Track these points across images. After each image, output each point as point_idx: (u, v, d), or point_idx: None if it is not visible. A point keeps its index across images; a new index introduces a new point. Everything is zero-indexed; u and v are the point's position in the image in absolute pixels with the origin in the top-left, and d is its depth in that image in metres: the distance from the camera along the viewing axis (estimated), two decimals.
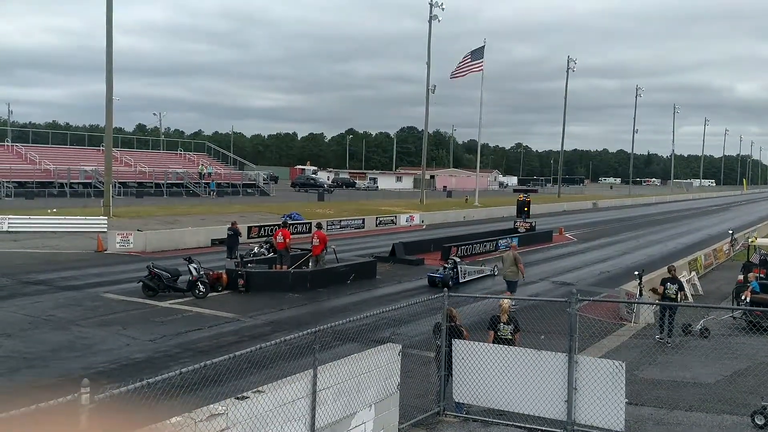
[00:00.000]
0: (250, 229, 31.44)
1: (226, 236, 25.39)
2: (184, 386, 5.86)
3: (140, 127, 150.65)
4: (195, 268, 17.93)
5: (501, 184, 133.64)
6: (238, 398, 6.02)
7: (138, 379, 5.52)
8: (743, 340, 14.51)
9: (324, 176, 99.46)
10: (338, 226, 37.16)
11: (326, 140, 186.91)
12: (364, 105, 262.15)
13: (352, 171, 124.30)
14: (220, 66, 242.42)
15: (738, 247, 30.72)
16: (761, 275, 17.87)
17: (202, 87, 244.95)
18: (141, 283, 17.88)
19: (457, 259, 22.76)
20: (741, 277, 18.52)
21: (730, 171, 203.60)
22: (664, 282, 15.50)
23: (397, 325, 13.05)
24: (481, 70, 58.35)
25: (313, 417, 6.73)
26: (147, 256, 24.81)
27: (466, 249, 28.52)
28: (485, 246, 30.17)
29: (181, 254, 22.25)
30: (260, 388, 6.31)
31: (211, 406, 5.76)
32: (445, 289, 10.39)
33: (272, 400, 6.22)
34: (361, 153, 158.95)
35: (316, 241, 20.93)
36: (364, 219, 40.26)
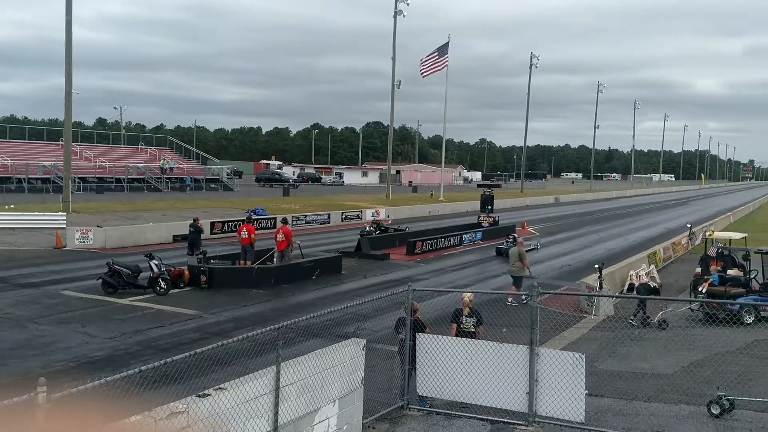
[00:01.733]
0: (213, 224, 31.08)
1: (188, 233, 25.04)
2: (144, 384, 5.78)
3: (100, 122, 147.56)
4: (156, 265, 17.66)
5: (466, 179, 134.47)
6: (199, 396, 5.96)
7: (96, 378, 5.43)
8: (700, 332, 14.90)
9: (289, 171, 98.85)
10: (304, 222, 36.98)
11: (291, 135, 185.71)
12: (329, 99, 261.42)
13: (318, 166, 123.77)
14: (182, 59, 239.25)
15: (697, 241, 31.47)
16: (719, 268, 18.33)
17: (164, 80, 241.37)
18: (101, 280, 17.55)
19: (516, 235, 27.67)
20: (699, 269, 18.99)
21: (689, 166, 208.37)
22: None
23: (361, 320, 13.06)
24: (446, 66, 58.63)
25: (276, 413, 6.70)
26: (107, 252, 24.36)
27: (431, 244, 28.65)
28: (450, 240, 30.36)
29: (142, 250, 21.91)
30: (222, 386, 6.25)
31: (172, 404, 5.70)
32: (409, 283, 10.43)
33: (234, 397, 6.17)
34: (327, 148, 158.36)
35: (280, 237, 20.79)
36: (329, 214, 40.15)
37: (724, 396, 9.36)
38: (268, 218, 34.46)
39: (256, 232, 22.71)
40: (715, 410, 9.27)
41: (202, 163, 75.21)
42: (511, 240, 26.99)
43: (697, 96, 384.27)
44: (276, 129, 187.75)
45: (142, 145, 73.21)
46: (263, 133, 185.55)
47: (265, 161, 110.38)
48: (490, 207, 38.65)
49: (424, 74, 57.81)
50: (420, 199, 60.87)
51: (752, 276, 17.75)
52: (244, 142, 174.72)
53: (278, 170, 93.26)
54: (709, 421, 9.19)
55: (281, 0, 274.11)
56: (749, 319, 15.32)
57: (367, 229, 30.52)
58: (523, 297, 19.61)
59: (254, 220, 26.58)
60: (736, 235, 21.97)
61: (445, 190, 67.37)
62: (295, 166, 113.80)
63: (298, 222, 36.22)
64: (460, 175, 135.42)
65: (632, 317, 15.61)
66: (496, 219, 37.82)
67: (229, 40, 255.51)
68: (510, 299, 16.69)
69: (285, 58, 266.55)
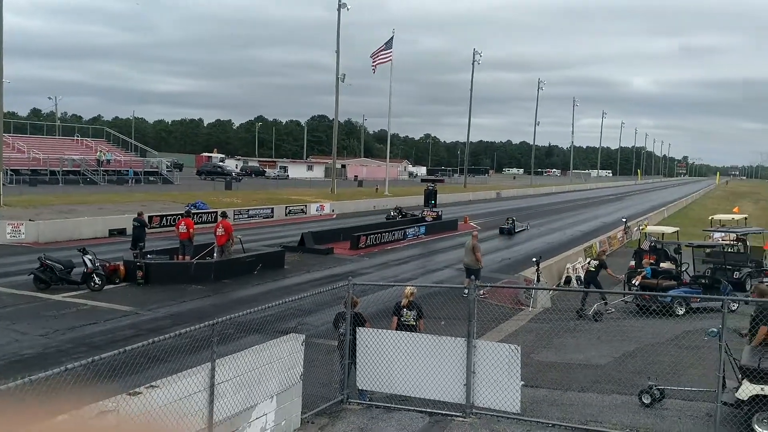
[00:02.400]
0: (151, 218, 30.26)
1: (132, 227, 24.31)
2: (74, 383, 5.59)
3: (35, 112, 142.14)
4: (90, 260, 17.12)
5: (411, 174, 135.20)
6: (130, 394, 5.80)
7: (21, 376, 5.22)
8: (633, 323, 15.39)
9: (232, 164, 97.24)
10: (246, 216, 36.48)
11: (234, 127, 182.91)
12: (274, 92, 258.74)
13: (262, 159, 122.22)
14: (121, 49, 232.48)
15: (633, 235, 32.49)
16: (652, 261, 18.97)
17: (101, 70, 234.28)
18: (32, 276, 16.91)
19: (514, 218, 36.16)
20: (633, 263, 19.59)
21: (626, 162, 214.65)
22: (589, 261, 17.58)
23: (303, 315, 12.98)
24: (391, 60, 58.77)
25: (210, 411, 6.59)
26: (40, 247, 23.45)
27: (376, 238, 28.71)
28: (394, 235, 30.49)
29: (76, 245, 21.19)
30: (154, 383, 6.11)
31: (101, 402, 5.53)
32: (350, 277, 10.42)
33: (167, 395, 6.03)
34: (271, 141, 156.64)
35: (220, 231, 20.45)
36: (273, 208, 39.71)
37: (655, 386, 9.68)
38: (208, 212, 33.80)
39: (196, 226, 22.29)
40: (646, 399, 9.58)
41: (141, 155, 73.20)
42: (510, 222, 34.57)
43: (634, 94, 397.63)
44: (218, 121, 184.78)
45: (78, 136, 70.71)
46: (205, 125, 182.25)
47: (206, 154, 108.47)
48: (433, 202, 38.98)
49: (374, 68, 57.91)
50: (365, 194, 60.88)
51: (683, 269, 18.44)
52: (185, 134, 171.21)
53: (220, 163, 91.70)
54: (640, 410, 9.49)
55: None
56: (680, 311, 15.88)
57: (391, 213, 36.58)
58: (482, 292, 19.73)
59: (193, 214, 26.06)
60: (669, 229, 22.76)
61: (391, 185, 67.58)
62: (238, 159, 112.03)
63: (241, 216, 35.71)
64: (405, 169, 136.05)
65: (582, 307, 15.94)
66: (440, 214, 38.17)
67: (171, 30, 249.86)
68: (482, 292, 16.92)
69: (228, 50, 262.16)
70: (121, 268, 18.28)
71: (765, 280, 19.18)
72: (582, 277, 20.79)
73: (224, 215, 23.14)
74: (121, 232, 27.54)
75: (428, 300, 13.68)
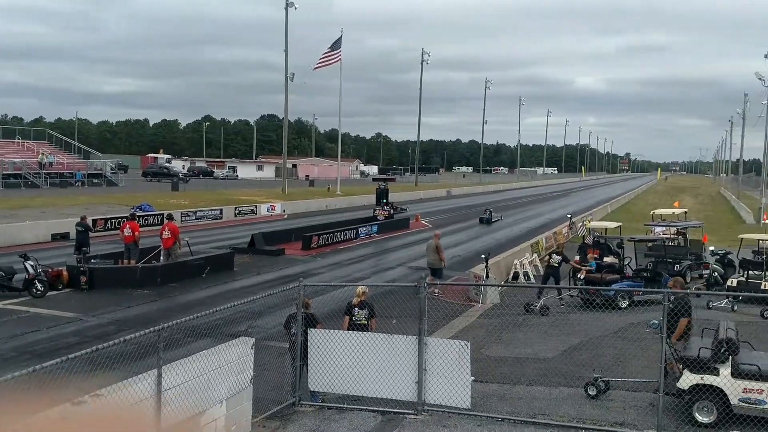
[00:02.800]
0: (95, 222, 29.49)
1: (75, 232, 23.59)
2: (14, 393, 5.42)
3: None
4: (32, 266, 16.58)
5: (362, 173, 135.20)
6: (73, 404, 5.65)
7: None
8: (578, 317, 15.76)
9: (179, 165, 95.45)
10: (194, 217, 35.88)
11: (181, 127, 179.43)
12: (222, 91, 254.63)
13: (210, 159, 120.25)
14: (63, 49, 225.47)
15: (578, 230, 33.24)
16: (596, 256, 19.47)
17: (43, 71, 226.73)
18: None
19: (492, 210, 40.67)
20: (578, 257, 20.06)
21: (571, 159, 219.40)
22: (550, 253, 18.11)
23: (253, 317, 12.85)
24: (340, 60, 58.65)
25: (158, 418, 6.48)
26: None
27: (327, 238, 28.62)
28: (346, 234, 30.46)
29: (17, 251, 20.49)
30: (99, 392, 5.97)
31: (43, 413, 5.37)
32: (300, 278, 10.38)
33: (112, 403, 5.90)
34: (220, 141, 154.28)
35: (167, 234, 20.07)
36: (221, 209, 39.17)
37: (600, 378, 9.94)
38: (154, 214, 33.13)
39: (141, 229, 21.84)
40: (592, 391, 9.83)
41: (84, 157, 71.17)
42: (488, 213, 38.53)
43: (578, 93, 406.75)
44: (164, 121, 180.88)
45: (18, 138, 68.18)
46: (150, 125, 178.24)
47: (152, 155, 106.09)
48: (385, 200, 39.12)
49: (316, 67, 57.65)
50: (317, 193, 60.62)
51: (626, 263, 18.98)
52: (130, 135, 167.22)
53: (167, 164, 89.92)
54: (587, 402, 9.74)
55: None
56: (624, 304, 16.34)
57: (385, 208, 39.05)
58: (437, 290, 18.93)
59: (139, 216, 25.52)
60: (612, 225, 23.38)
61: (342, 184, 67.46)
62: (185, 160, 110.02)
63: (188, 218, 35.11)
64: (357, 168, 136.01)
65: (538, 301, 16.24)
66: (391, 213, 38.33)
67: (115, 30, 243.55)
68: (437, 290, 17.06)
69: (174, 49, 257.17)
70: (65, 273, 17.77)
71: (704, 272, 19.97)
72: (529, 272, 21.23)
73: (170, 217, 22.71)
74: (65, 236, 26.74)
75: (381, 299, 13.71)
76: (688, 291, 17.61)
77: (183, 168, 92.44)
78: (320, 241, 27.78)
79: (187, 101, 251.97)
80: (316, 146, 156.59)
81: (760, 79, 46.26)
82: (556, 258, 17.59)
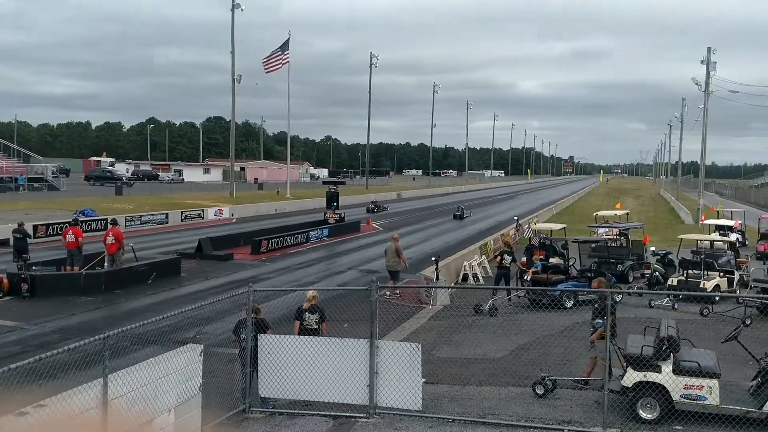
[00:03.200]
0: (36, 228, 28.57)
1: (12, 239, 22.75)
2: None
3: None
4: None
5: (312, 176, 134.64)
6: (16, 414, 5.48)
7: None
8: (526, 317, 16.05)
9: (123, 168, 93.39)
10: (138, 222, 35.10)
11: (125, 130, 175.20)
12: (167, 93, 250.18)
13: (155, 163, 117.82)
14: (1, 49, 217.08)
15: (524, 232, 33.83)
16: (542, 257, 19.86)
17: None
18: None
19: (463, 207, 45.86)
20: (524, 258, 20.43)
21: (517, 162, 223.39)
22: (501, 253, 18.04)
23: (202, 324, 12.65)
24: (288, 62, 58.33)
25: (105, 428, 6.32)
26: None
27: (277, 242, 28.39)
28: (296, 238, 30.28)
29: None
30: (43, 402, 5.79)
31: None
32: (250, 283, 10.27)
33: (57, 414, 5.73)
34: (165, 144, 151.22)
35: (110, 239, 19.58)
36: (167, 213, 38.40)
37: (547, 376, 10.16)
38: (98, 219, 32.26)
39: (84, 235, 21.25)
40: (539, 390, 10.04)
41: (24, 161, 68.93)
42: (460, 210, 42.29)
43: (523, 97, 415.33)
44: (107, 124, 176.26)
45: None
46: (93, 128, 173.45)
47: (95, 158, 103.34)
48: (335, 204, 39.04)
49: (268, 71, 57.19)
50: (266, 197, 60.04)
51: (571, 263, 19.42)
52: (72, 138, 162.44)
53: (110, 168, 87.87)
54: (535, 400, 9.93)
55: None
56: (569, 304, 16.70)
57: (370, 206, 45.04)
58: (388, 293, 19.62)
59: (82, 222, 24.81)
60: (557, 226, 23.88)
61: (292, 188, 67.03)
62: (130, 163, 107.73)
63: (133, 223, 34.34)
64: (306, 171, 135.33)
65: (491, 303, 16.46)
66: (342, 215, 38.28)
67: (57, 29, 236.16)
68: (388, 293, 17.08)
69: (118, 50, 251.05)
70: (4, 281, 17.20)
71: (646, 272, 20.60)
72: (478, 274, 21.51)
73: (114, 222, 22.15)
74: (3, 243, 25.78)
75: (332, 303, 13.70)
76: (631, 291, 18.25)
77: (127, 171, 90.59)
78: (270, 246, 27.53)
79: (131, 103, 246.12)
80: (265, 149, 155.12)
81: (696, 84, 47.97)
82: (507, 258, 17.83)
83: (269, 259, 25.74)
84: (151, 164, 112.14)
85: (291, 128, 71.65)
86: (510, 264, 17.78)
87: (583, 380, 10.30)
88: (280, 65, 57.42)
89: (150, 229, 34.60)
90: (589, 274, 18.31)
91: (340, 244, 31.35)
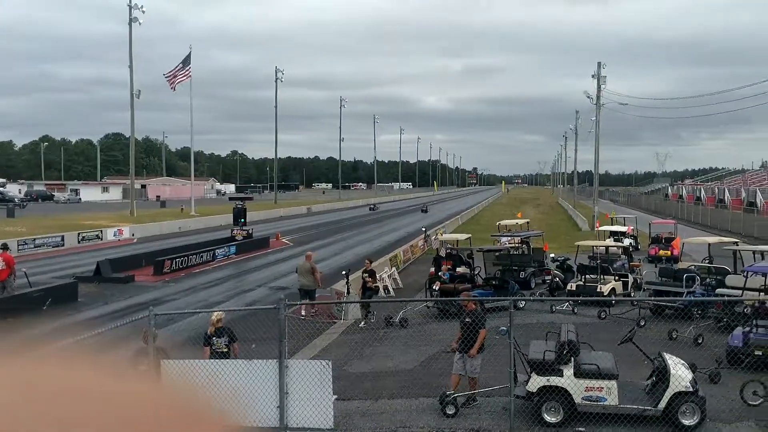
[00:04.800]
0: None
1: None
2: None
3: None
4: None
5: (219, 191, 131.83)
6: None
7: None
8: (435, 327, 16.29)
9: (15, 189, 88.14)
10: (32, 245, 33.13)
11: (16, 148, 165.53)
12: (62, 110, 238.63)
13: (50, 182, 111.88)
14: None
15: (432, 243, 34.40)
16: (449, 267, 20.24)
17: None
18: None
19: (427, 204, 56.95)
20: (432, 269, 20.76)
21: (424, 174, 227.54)
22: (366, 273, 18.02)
23: (101, 351, 12.04)
24: (190, 77, 57.02)
25: None
26: None
27: (181, 261, 27.50)
28: (202, 257, 29.45)
29: None
30: None
31: None
32: (151, 307, 9.90)
33: None
34: (60, 162, 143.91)
35: (0, 265, 18.38)
36: (63, 236, 36.45)
37: (453, 394, 10.19)
38: None
39: None
40: (450, 411, 9.83)
41: None
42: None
43: (426, 111, 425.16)
44: None
45: None
46: None
47: None
48: (243, 220, 38.30)
49: (172, 85, 55.74)
50: (169, 215, 58.17)
51: (476, 272, 19.90)
52: None
53: (1, 188, 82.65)
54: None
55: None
56: None
57: (369, 210, 45.25)
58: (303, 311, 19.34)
59: None
60: (462, 236, 24.42)
61: (197, 204, 65.30)
62: (22, 183, 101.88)
63: (26, 246, 32.38)
64: (212, 187, 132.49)
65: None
66: (250, 232, 37.61)
67: None
68: (303, 312, 16.80)
69: (9, 65, 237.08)
70: None
71: (547, 278, 21.40)
72: (389, 286, 21.67)
73: (5, 247, 20.76)
74: None
75: (241, 322, 13.41)
76: (533, 298, 18.91)
77: (19, 192, 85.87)
78: (173, 266, 26.63)
79: (23, 120, 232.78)
80: (168, 165, 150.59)
81: (588, 97, 50.64)
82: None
83: (173, 280, 24.87)
84: (46, 184, 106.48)
85: (195, 143, 70.03)
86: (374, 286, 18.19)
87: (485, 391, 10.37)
88: (184, 78, 56.10)
89: (45, 253, 32.72)
90: (494, 282, 18.83)
91: (249, 261, 30.78)
